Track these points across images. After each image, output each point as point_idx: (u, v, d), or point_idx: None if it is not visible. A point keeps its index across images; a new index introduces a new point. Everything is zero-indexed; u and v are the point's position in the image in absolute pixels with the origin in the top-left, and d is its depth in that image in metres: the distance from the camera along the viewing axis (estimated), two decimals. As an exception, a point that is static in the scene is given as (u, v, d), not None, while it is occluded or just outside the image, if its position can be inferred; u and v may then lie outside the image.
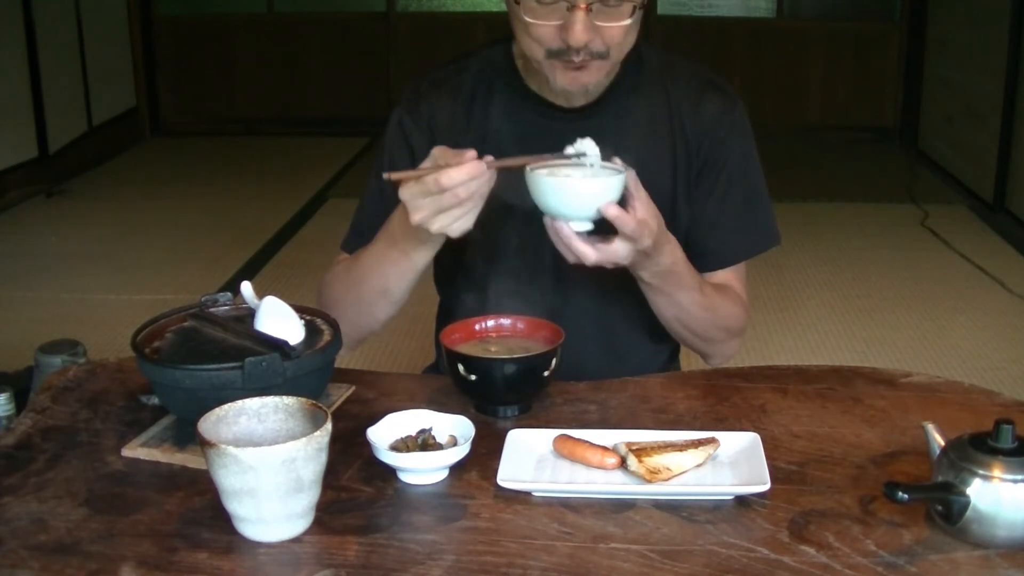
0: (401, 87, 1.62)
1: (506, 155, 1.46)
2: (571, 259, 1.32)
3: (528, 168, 1.30)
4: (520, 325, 1.38)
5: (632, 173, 1.30)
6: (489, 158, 1.28)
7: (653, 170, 1.53)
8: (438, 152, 1.30)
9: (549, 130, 1.52)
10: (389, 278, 1.46)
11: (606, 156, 1.33)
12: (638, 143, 1.52)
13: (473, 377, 1.27)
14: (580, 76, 1.42)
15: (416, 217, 1.28)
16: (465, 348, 1.32)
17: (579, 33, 1.35)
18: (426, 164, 1.30)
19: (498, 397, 1.29)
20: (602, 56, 1.41)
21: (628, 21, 1.39)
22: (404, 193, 1.29)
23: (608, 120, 1.52)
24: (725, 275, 1.60)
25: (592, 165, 1.32)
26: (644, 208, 1.31)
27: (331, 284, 1.57)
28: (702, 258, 1.58)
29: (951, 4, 5.94)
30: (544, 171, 1.29)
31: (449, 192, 1.25)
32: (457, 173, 1.25)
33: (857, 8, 6.79)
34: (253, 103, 6.88)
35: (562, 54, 1.40)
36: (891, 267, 4.43)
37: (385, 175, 1.31)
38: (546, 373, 1.28)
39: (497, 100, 1.55)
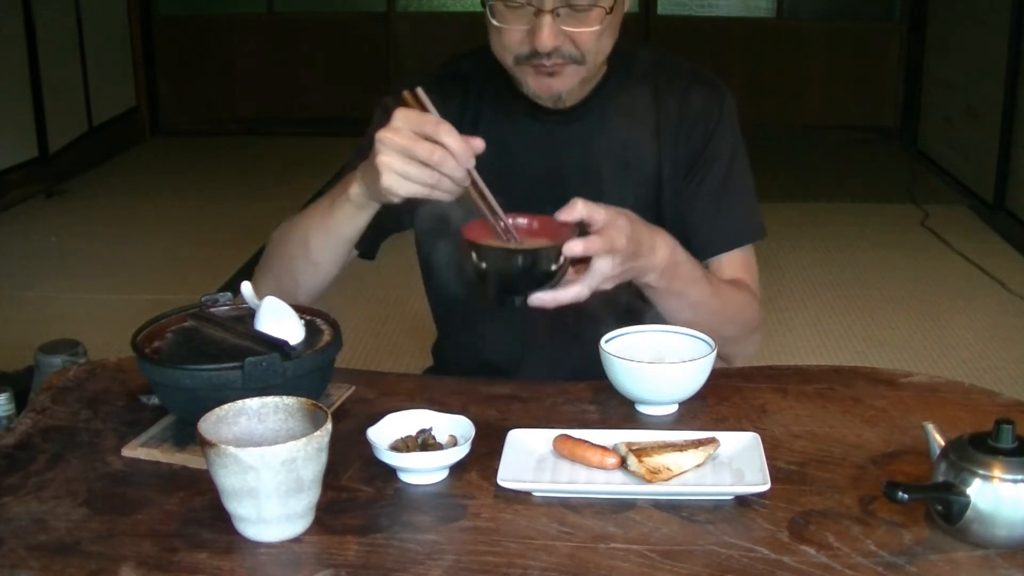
0: (394, 87, 1.61)
1: (497, 158, 1.46)
2: (569, 300, 1.29)
3: (603, 344, 1.33)
4: (535, 224, 1.35)
5: (579, 203, 1.28)
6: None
7: (641, 168, 1.53)
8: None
9: (539, 131, 1.53)
10: (310, 229, 1.44)
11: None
12: (625, 142, 1.53)
13: (484, 265, 1.26)
14: (552, 83, 1.42)
15: (382, 139, 1.25)
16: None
17: (545, 38, 1.36)
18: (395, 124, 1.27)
19: (511, 286, 1.28)
20: (577, 61, 1.41)
21: (596, 27, 1.39)
22: (398, 117, 1.26)
23: (596, 119, 1.53)
24: (732, 269, 1.59)
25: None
26: (603, 213, 1.27)
27: (269, 242, 1.55)
28: (691, 251, 1.58)
29: (951, 4, 5.94)
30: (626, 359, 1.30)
31: (427, 144, 1.23)
32: (455, 138, 1.24)
33: (857, 8, 6.80)
34: (253, 103, 6.88)
35: (532, 58, 1.40)
36: (891, 267, 4.43)
37: (404, 92, 1.28)
38: (554, 267, 1.27)
39: (487, 103, 1.55)
